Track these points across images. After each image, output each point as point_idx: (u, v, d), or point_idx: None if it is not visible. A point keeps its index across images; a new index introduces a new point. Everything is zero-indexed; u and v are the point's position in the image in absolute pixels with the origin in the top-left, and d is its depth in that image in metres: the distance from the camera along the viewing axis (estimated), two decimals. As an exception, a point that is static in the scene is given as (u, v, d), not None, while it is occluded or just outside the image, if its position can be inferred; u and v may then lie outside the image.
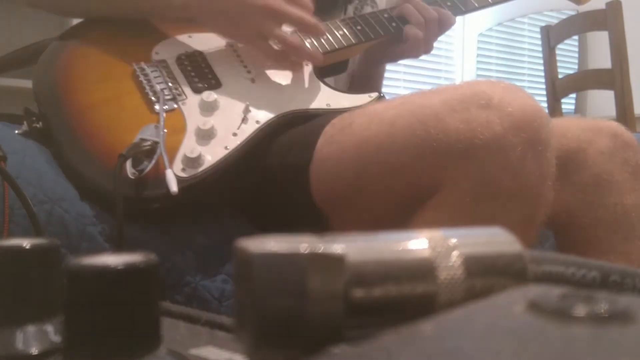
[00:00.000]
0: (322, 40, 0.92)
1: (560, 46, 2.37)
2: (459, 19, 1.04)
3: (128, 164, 0.71)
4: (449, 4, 1.03)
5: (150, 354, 0.24)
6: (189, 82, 0.83)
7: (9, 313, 0.28)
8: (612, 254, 0.79)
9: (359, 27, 0.96)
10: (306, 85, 0.88)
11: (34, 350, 0.28)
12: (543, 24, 2.48)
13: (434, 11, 0.98)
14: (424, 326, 0.19)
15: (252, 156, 0.78)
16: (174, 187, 0.69)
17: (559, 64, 2.38)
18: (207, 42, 0.89)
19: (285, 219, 0.80)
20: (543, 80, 2.43)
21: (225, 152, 0.76)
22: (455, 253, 0.24)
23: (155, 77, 0.82)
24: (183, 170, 0.73)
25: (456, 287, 0.24)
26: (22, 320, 0.28)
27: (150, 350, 0.24)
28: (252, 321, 0.22)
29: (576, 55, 3.26)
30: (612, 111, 2.06)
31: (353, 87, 1.08)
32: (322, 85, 0.88)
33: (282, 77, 0.88)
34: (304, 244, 0.22)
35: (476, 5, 1.06)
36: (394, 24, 0.98)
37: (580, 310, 0.18)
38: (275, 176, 0.79)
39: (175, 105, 0.80)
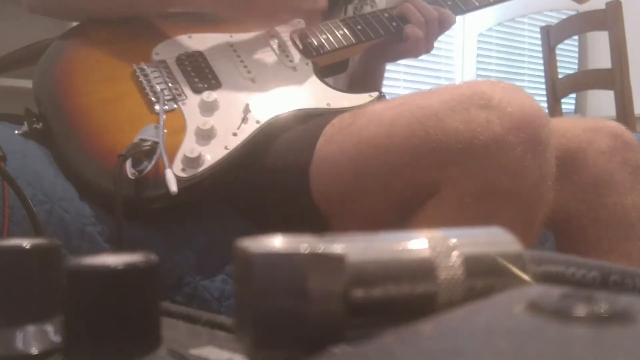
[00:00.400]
0: (323, 40, 0.92)
1: (560, 46, 2.37)
2: (459, 18, 1.04)
3: (128, 164, 0.71)
4: (449, 3, 1.03)
5: (150, 354, 0.24)
6: (189, 82, 0.83)
7: (9, 313, 0.28)
8: (612, 254, 0.79)
9: (359, 27, 0.96)
10: (306, 85, 0.88)
11: (34, 350, 0.27)
12: (543, 24, 2.48)
13: (435, 10, 0.98)
14: (424, 326, 0.19)
15: (252, 156, 0.78)
16: (173, 187, 0.69)
17: (559, 64, 2.38)
18: (207, 42, 0.89)
19: (285, 219, 0.80)
20: (543, 80, 2.43)
21: (225, 152, 0.76)
22: (455, 253, 0.24)
23: (155, 78, 0.82)
24: (183, 170, 0.73)
25: (456, 287, 0.24)
26: (22, 320, 0.28)
27: (150, 350, 0.24)
28: (252, 321, 0.22)
29: (576, 55, 3.26)
30: (612, 111, 2.06)
31: (353, 87, 1.08)
32: (322, 85, 0.88)
33: (282, 77, 0.88)
34: (304, 244, 0.22)
35: (477, 4, 1.06)
36: (394, 24, 0.98)
37: (580, 310, 0.18)
38: (275, 176, 0.79)
39: (175, 106, 0.80)
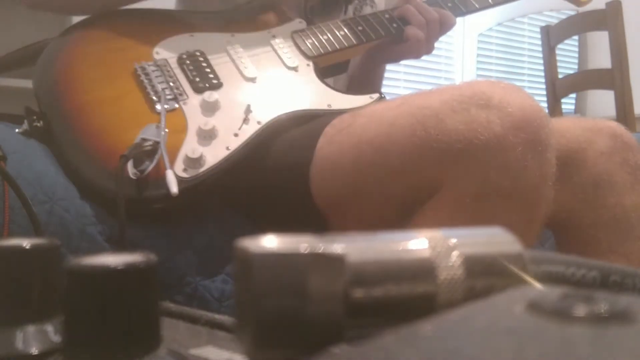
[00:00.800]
0: (323, 41, 0.92)
1: (560, 46, 2.37)
2: (459, 19, 1.04)
3: (129, 164, 0.71)
4: (449, 4, 1.03)
5: (150, 354, 0.24)
6: (190, 82, 0.83)
7: (9, 313, 0.28)
8: (612, 254, 0.79)
9: (360, 28, 0.96)
10: (307, 85, 0.88)
11: (34, 350, 0.27)
12: (543, 24, 2.48)
13: (435, 12, 0.98)
14: (424, 326, 0.19)
15: (253, 156, 0.78)
16: (174, 188, 0.69)
17: (559, 64, 2.38)
18: (208, 41, 0.89)
19: (285, 219, 0.80)
20: (543, 80, 2.43)
21: (227, 152, 0.76)
22: (455, 253, 0.24)
23: (156, 77, 0.82)
24: (184, 170, 0.73)
25: (456, 287, 0.24)
26: (22, 320, 0.28)
27: (150, 350, 0.24)
28: (252, 321, 0.22)
29: (576, 55, 3.26)
30: (612, 111, 2.06)
31: (353, 87, 1.08)
32: (323, 85, 0.88)
33: (283, 77, 0.88)
34: (304, 244, 0.22)
35: (477, 6, 1.06)
36: (394, 25, 0.98)
37: (580, 310, 0.18)
38: (275, 176, 0.79)
39: (177, 105, 0.80)
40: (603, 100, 2.42)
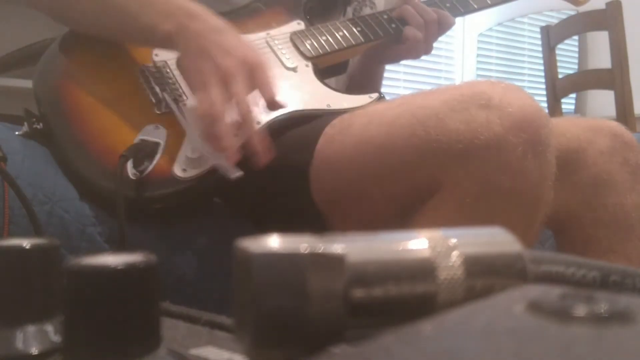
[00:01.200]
0: (322, 41, 0.92)
1: (560, 46, 2.37)
2: (458, 19, 1.04)
3: (129, 165, 0.71)
4: (448, 5, 1.03)
5: (150, 354, 0.24)
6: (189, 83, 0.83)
7: (9, 313, 0.28)
8: (612, 254, 0.79)
9: (358, 29, 0.96)
10: (306, 86, 0.88)
11: (34, 350, 0.28)
12: (543, 24, 2.48)
13: (433, 12, 0.98)
14: (424, 326, 0.19)
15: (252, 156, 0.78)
16: (234, 172, 0.70)
17: (559, 64, 2.38)
18: (207, 42, 0.89)
19: (285, 219, 0.80)
20: (543, 80, 2.43)
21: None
22: (455, 253, 0.24)
23: (155, 79, 0.82)
24: (184, 170, 0.73)
25: (456, 287, 0.24)
26: (22, 320, 0.28)
27: (150, 350, 0.24)
28: (252, 321, 0.22)
29: (576, 55, 3.26)
30: (612, 111, 2.06)
31: (352, 88, 1.08)
32: (322, 86, 0.88)
33: (282, 78, 0.88)
34: (304, 244, 0.22)
35: (475, 6, 1.06)
36: (393, 25, 0.98)
37: (580, 310, 0.18)
38: (275, 176, 0.79)
39: (176, 106, 0.79)
40: (603, 100, 2.42)
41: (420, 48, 0.98)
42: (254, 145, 0.72)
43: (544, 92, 2.40)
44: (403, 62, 1.35)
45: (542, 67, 2.43)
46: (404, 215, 0.70)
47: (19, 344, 0.28)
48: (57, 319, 0.29)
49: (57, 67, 0.84)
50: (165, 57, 0.86)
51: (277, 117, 0.81)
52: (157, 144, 0.71)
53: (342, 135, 0.74)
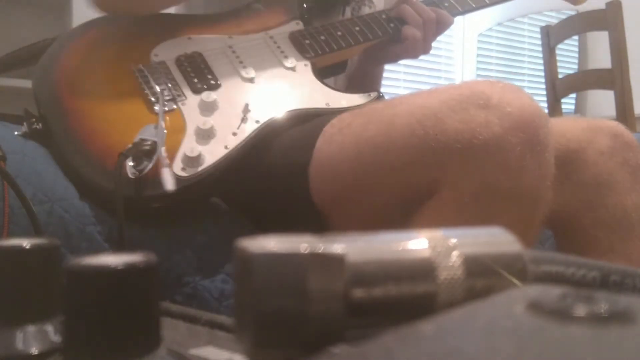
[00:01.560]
0: (321, 41, 0.92)
1: (560, 46, 2.37)
2: (459, 18, 1.04)
3: (128, 164, 0.71)
4: (446, 4, 1.03)
5: (150, 354, 0.24)
6: (189, 83, 0.83)
7: (9, 313, 0.28)
8: (612, 254, 0.79)
9: (357, 28, 0.96)
10: (305, 85, 0.88)
11: (34, 350, 0.28)
12: (543, 24, 2.48)
13: (432, 11, 0.98)
14: (424, 326, 0.19)
15: (251, 156, 0.78)
16: (169, 185, 0.69)
17: (559, 64, 2.38)
18: (206, 43, 0.89)
19: (285, 219, 0.80)
20: (543, 80, 2.43)
21: (225, 151, 0.76)
22: (455, 253, 0.24)
23: (154, 79, 0.82)
24: (183, 169, 0.73)
25: (456, 287, 0.24)
26: (22, 320, 0.28)
27: (150, 350, 0.24)
28: (252, 321, 0.22)
29: (576, 55, 3.26)
30: (612, 111, 2.06)
31: (351, 88, 1.08)
32: (321, 85, 0.88)
33: (281, 77, 0.88)
34: (304, 244, 0.22)
35: (473, 5, 1.06)
36: (392, 25, 0.98)
37: (580, 310, 0.18)
38: (274, 176, 0.79)
39: (175, 106, 0.80)
40: (603, 100, 2.42)
41: (419, 47, 0.98)
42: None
43: (544, 92, 2.40)
44: (403, 62, 1.35)
45: (542, 67, 2.43)
46: (403, 214, 0.70)
47: (19, 344, 0.28)
48: (57, 319, 0.29)
49: (57, 68, 0.84)
50: (164, 57, 0.86)
51: (276, 115, 0.81)
52: (156, 143, 0.71)
53: (342, 135, 0.74)
